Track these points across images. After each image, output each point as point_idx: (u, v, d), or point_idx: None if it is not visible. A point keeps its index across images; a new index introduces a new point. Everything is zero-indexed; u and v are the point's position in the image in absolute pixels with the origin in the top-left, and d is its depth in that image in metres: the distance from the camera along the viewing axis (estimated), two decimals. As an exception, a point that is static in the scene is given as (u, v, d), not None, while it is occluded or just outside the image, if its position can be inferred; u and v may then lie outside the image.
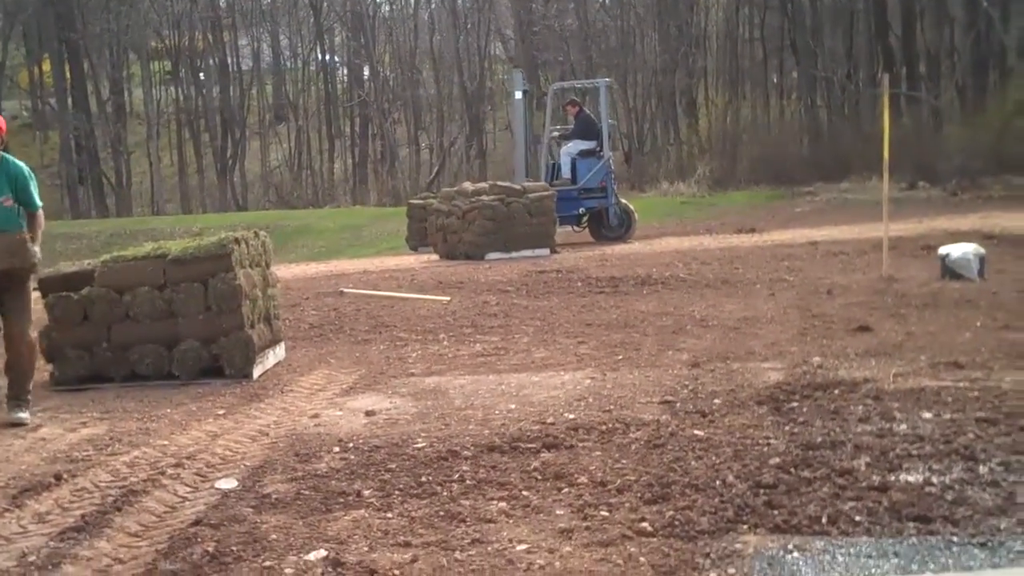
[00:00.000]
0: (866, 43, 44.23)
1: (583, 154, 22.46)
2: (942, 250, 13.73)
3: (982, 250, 13.64)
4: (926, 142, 34.20)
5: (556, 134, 23.62)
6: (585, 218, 22.89)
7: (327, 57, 58.23)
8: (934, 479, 5.44)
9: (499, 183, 21.02)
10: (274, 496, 5.82)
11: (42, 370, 10.05)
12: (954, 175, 31.15)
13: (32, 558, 5.07)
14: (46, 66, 57.83)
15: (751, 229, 23.22)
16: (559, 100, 25.04)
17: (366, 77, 55.23)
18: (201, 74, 56.54)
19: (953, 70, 41.40)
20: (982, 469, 5.58)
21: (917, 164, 31.79)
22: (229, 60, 57.03)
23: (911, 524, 4.86)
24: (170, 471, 6.49)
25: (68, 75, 54.50)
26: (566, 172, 22.62)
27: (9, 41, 56.88)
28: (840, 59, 45.41)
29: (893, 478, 5.48)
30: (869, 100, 40.87)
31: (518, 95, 23.90)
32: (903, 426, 6.47)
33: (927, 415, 6.70)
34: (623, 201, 23.53)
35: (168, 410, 8.42)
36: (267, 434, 7.39)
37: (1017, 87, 36.09)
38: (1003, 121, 32.60)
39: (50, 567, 4.93)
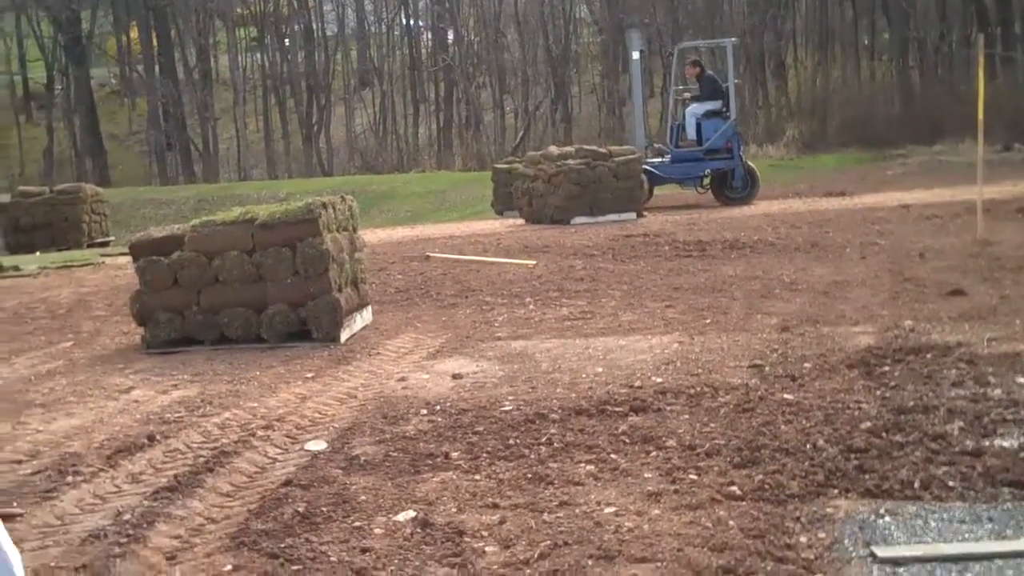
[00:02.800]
0: (960, 2, 43.39)
1: (708, 115, 22.09)
2: (1037, 212, 13.48)
3: (1079, 212, 13.35)
4: (1022, 103, 33.49)
5: (688, 95, 23.22)
6: (707, 180, 22.64)
7: (411, 21, 58.33)
8: (1030, 444, 5.35)
9: (585, 147, 20.92)
10: (363, 458, 5.86)
11: (133, 333, 10.22)
12: (1051, 136, 30.53)
13: (127, 517, 5.14)
14: (134, 33, 58.58)
15: (841, 192, 22.93)
16: (683, 60, 24.60)
17: (450, 41, 55.19)
18: (286, 40, 56.84)
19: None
20: (1080, 434, 5.47)
21: (1012, 125, 31.18)
22: (314, 25, 57.33)
23: (1005, 489, 4.78)
24: (260, 433, 6.55)
25: (155, 42, 55.11)
26: (691, 133, 22.27)
27: (98, 9, 57.62)
28: (933, 19, 44.60)
29: (987, 443, 5.39)
30: (963, 61, 40.14)
31: (635, 55, 23.59)
32: (997, 391, 6.36)
33: (1022, 380, 6.58)
34: (748, 163, 23.15)
35: (257, 373, 8.50)
36: (355, 396, 7.44)
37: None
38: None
39: (144, 525, 5.00)
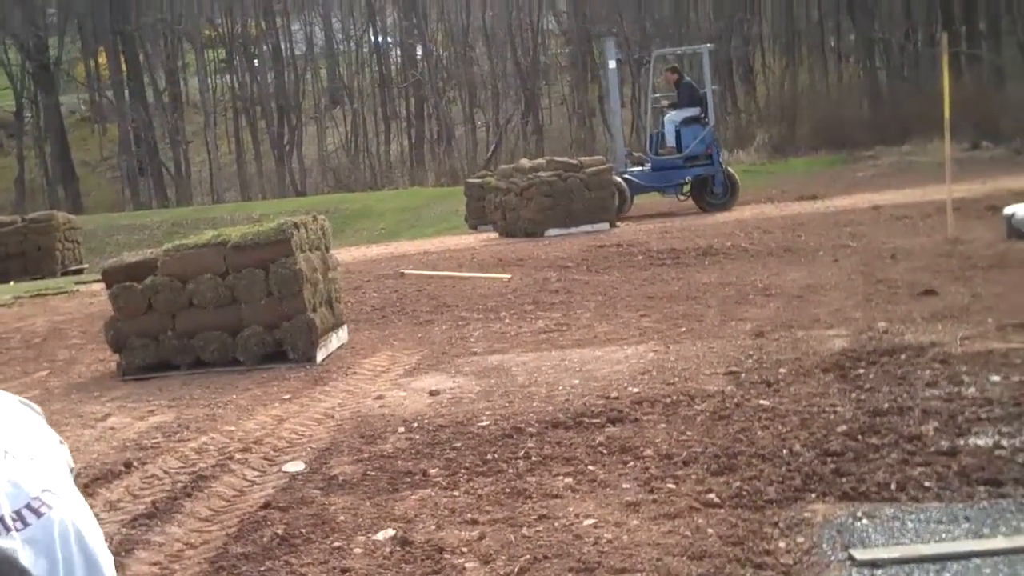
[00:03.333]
0: (924, 1, 43.64)
1: (687, 122, 21.97)
2: (1007, 210, 13.54)
3: (1048, 209, 13.41)
4: (988, 101, 33.62)
5: (666, 103, 23.14)
6: (686, 187, 22.58)
7: (380, 38, 58.30)
8: (1004, 442, 5.38)
9: (556, 158, 20.92)
10: (341, 478, 5.86)
11: (109, 361, 10.18)
12: (1017, 133, 30.62)
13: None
14: (102, 59, 58.39)
15: (812, 196, 22.97)
16: (660, 68, 24.47)
17: (419, 57, 55.23)
18: (255, 61, 56.75)
19: (1014, 26, 40.74)
20: (1053, 430, 5.51)
21: (979, 123, 31.28)
22: (283, 45, 57.21)
23: (981, 488, 4.81)
24: (238, 456, 6.55)
25: (124, 67, 54.95)
26: (671, 141, 22.16)
27: (65, 35, 57.43)
28: (898, 19, 44.83)
29: (962, 442, 5.43)
30: (929, 60, 40.26)
31: (612, 64, 23.54)
32: (971, 389, 6.40)
33: (995, 378, 6.62)
34: (728, 168, 23.07)
35: (234, 396, 8.49)
36: (332, 416, 7.43)
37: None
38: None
39: (123, 553, 4.99)
